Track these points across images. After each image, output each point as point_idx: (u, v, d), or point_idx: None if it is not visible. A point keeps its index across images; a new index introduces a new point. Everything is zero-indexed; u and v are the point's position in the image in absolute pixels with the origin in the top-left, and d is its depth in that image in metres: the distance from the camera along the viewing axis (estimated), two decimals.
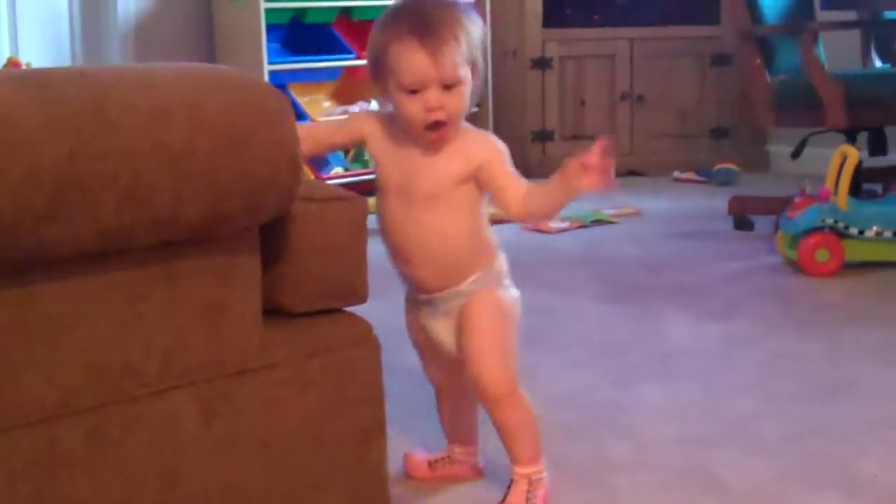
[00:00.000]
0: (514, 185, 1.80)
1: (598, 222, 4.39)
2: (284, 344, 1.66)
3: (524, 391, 1.87)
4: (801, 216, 3.45)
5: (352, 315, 1.75)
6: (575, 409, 2.38)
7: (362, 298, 1.75)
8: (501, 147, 1.82)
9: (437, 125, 1.75)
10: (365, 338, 1.73)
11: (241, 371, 1.60)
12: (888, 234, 3.42)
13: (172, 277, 1.52)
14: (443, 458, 2.07)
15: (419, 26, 1.72)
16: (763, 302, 3.22)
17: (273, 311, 1.66)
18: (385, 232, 1.87)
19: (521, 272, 3.52)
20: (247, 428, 1.61)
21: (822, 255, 3.42)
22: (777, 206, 3.76)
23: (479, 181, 1.81)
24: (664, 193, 5.02)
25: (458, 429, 2.06)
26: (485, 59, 1.82)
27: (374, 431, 1.74)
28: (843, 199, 3.42)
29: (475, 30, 1.77)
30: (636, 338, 2.88)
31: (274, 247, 1.64)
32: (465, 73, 1.75)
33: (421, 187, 1.81)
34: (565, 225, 4.32)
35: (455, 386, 1.98)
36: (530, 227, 4.32)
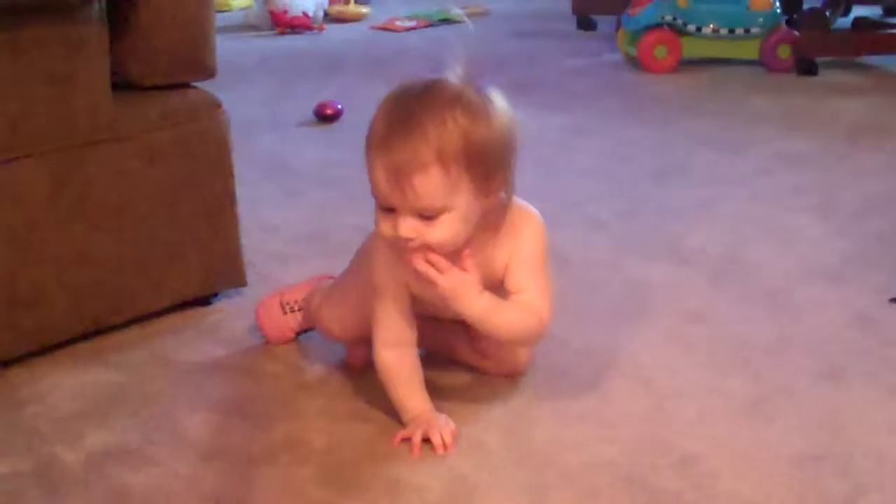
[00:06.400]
0: (547, 293, 1.46)
1: (446, 21, 4.40)
2: (134, 116, 1.67)
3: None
4: (642, 13, 3.53)
5: (201, 90, 1.76)
6: None
7: (210, 73, 1.76)
8: (536, 234, 1.46)
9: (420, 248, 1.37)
10: (214, 112, 1.75)
11: (91, 142, 1.62)
12: (724, 31, 3.52)
13: (18, 46, 1.52)
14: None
15: (389, 138, 1.31)
16: (603, 96, 3.31)
17: (123, 86, 1.67)
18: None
19: (370, 69, 3.55)
20: (98, 198, 1.63)
21: (660, 52, 3.52)
22: (619, 6, 3.82)
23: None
24: None
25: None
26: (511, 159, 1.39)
27: (226, 203, 1.79)
28: None
29: (482, 140, 1.33)
30: None
31: (123, 20, 1.64)
32: (453, 200, 1.33)
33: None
34: (413, 24, 4.33)
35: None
36: (378, 25, 4.33)
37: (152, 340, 1.73)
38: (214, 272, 1.80)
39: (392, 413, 1.49)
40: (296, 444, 1.45)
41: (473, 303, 1.40)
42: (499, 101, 1.38)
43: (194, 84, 1.76)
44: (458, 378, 1.61)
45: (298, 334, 1.73)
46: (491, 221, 1.42)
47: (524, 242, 1.45)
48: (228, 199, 1.79)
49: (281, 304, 1.72)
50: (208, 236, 1.77)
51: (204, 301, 1.83)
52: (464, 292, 1.39)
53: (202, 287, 1.80)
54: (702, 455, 1.42)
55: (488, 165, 1.34)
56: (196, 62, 1.73)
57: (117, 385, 1.60)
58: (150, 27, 1.65)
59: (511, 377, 1.61)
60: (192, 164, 1.73)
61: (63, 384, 1.60)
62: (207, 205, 1.76)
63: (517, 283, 1.45)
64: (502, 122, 1.36)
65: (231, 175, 1.79)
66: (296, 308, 1.72)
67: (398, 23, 4.34)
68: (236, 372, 1.65)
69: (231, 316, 1.80)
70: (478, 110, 1.34)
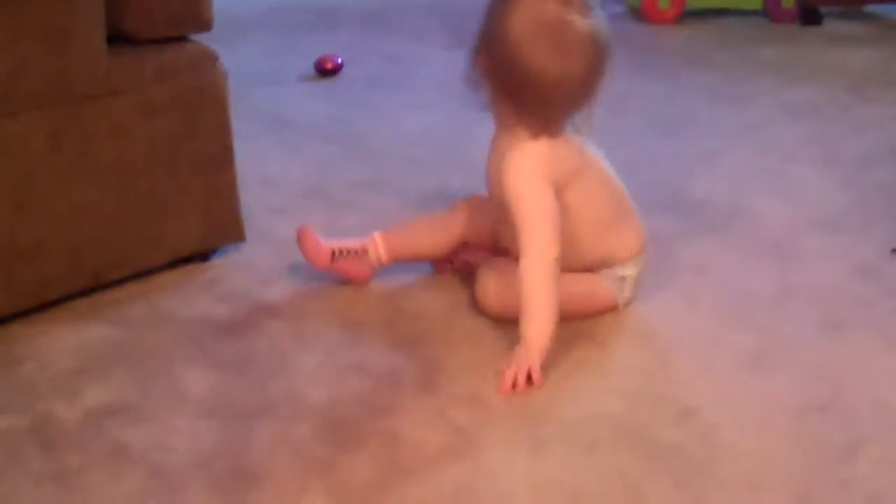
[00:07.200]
0: (527, 235, 1.54)
1: None
2: (131, 70, 1.65)
3: None
4: None
5: (198, 43, 1.74)
6: (423, 146, 2.43)
7: (207, 25, 1.74)
8: (519, 169, 1.59)
9: None
10: (211, 65, 1.73)
11: (88, 96, 1.60)
12: None
13: (12, 1, 1.50)
14: (349, 252, 1.74)
15: None
16: None
17: (119, 39, 1.65)
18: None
19: (370, 23, 3.52)
20: (96, 152, 1.62)
21: (663, 3, 3.48)
22: None
23: None
24: None
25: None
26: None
27: (224, 157, 1.77)
28: None
29: (498, 23, 1.54)
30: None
31: None
32: (479, 61, 1.59)
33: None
34: None
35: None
36: None
37: (151, 296, 1.72)
38: (213, 227, 1.79)
39: (391, 367, 1.49)
40: (294, 399, 1.45)
41: (538, 342, 1.50)
42: (579, 31, 1.52)
43: (191, 37, 1.74)
44: (457, 331, 1.61)
45: (333, 258, 1.72)
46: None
47: (505, 176, 1.58)
48: (227, 153, 1.77)
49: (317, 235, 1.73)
50: (207, 191, 1.76)
51: (203, 256, 1.82)
52: (528, 355, 1.49)
53: (201, 242, 1.79)
54: (703, 407, 1.42)
55: (491, 50, 1.56)
56: (192, 14, 1.70)
57: (115, 341, 1.60)
58: None
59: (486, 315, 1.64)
60: (189, 118, 1.71)
61: (61, 340, 1.59)
62: (206, 159, 1.75)
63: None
64: (543, 49, 1.52)
65: (229, 129, 1.77)
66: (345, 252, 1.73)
67: None
68: (235, 327, 1.64)
69: (230, 271, 1.80)
70: (508, 8, 1.53)
